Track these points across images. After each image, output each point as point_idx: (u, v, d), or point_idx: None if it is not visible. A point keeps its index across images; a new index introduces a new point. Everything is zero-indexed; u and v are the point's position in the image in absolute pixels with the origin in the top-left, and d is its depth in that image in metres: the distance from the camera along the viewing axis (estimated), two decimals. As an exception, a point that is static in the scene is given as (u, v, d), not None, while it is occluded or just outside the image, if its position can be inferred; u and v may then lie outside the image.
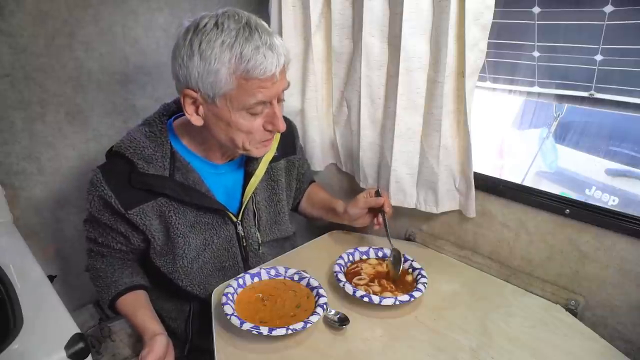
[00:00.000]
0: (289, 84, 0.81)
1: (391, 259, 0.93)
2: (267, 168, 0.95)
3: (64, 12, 1.03)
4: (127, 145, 0.82)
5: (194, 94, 0.76)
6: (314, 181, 1.18)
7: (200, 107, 0.78)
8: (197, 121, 0.79)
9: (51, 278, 0.83)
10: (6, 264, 0.79)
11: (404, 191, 1.04)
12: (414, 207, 1.05)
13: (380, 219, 0.98)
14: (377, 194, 0.98)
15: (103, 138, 1.18)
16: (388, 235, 0.96)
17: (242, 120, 0.77)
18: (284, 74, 0.78)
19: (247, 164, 0.93)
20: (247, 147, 0.82)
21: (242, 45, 0.71)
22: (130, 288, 0.88)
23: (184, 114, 0.91)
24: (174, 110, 0.91)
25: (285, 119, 1.07)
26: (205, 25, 0.72)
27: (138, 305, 0.86)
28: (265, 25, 0.76)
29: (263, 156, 0.93)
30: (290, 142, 1.03)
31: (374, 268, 0.94)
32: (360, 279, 0.89)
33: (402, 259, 0.92)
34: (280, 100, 0.81)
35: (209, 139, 0.84)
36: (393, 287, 0.88)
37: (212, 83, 0.73)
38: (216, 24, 0.72)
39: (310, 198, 1.14)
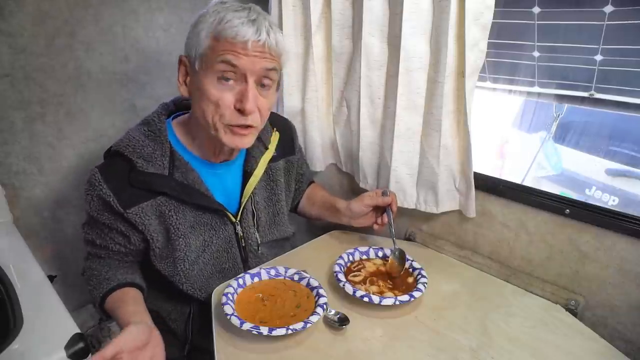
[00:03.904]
0: (276, 72, 0.80)
1: (396, 254, 0.93)
2: (266, 168, 0.95)
3: (64, 12, 1.04)
4: (125, 144, 0.82)
5: (185, 59, 0.80)
6: (313, 182, 1.18)
7: (188, 77, 0.81)
8: (184, 92, 0.82)
9: (51, 278, 0.83)
10: (6, 264, 0.80)
11: (404, 191, 1.04)
12: (414, 207, 1.05)
13: (385, 219, 0.97)
14: (384, 194, 0.97)
15: (103, 138, 1.18)
16: (392, 233, 0.96)
17: (212, 88, 0.76)
18: (266, 55, 0.76)
19: (246, 164, 0.93)
20: (217, 126, 0.79)
21: (227, 12, 0.74)
22: (122, 285, 0.83)
23: (182, 114, 0.92)
24: (173, 110, 0.91)
25: (283, 119, 1.07)
26: (215, 4, 0.77)
27: (122, 301, 0.80)
28: (271, 18, 0.79)
29: (261, 156, 0.93)
30: (288, 143, 1.03)
31: (376, 268, 0.94)
32: (355, 276, 0.90)
33: (406, 258, 0.92)
34: (263, 84, 0.79)
35: (197, 129, 0.85)
36: (392, 285, 0.88)
37: (194, 44, 0.77)
38: (222, 1, 0.77)
39: (310, 197, 1.14)
